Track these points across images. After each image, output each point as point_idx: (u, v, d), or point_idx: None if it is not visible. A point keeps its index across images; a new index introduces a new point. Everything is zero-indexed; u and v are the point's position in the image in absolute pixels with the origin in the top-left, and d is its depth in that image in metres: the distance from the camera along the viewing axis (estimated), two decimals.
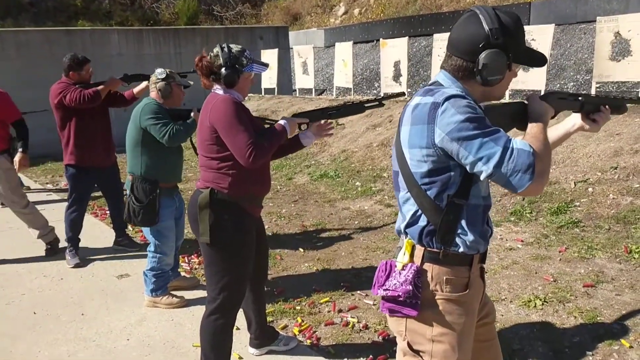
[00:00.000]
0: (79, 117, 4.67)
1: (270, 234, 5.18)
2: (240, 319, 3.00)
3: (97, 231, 5.71)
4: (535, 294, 3.69)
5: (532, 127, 1.73)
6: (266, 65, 2.88)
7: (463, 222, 1.74)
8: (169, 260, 3.93)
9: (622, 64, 7.05)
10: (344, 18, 20.66)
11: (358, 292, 3.95)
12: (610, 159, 5.37)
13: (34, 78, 10.35)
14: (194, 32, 13.86)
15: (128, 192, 3.80)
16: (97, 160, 4.76)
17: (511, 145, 1.60)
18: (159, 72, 3.84)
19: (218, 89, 2.75)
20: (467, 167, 1.66)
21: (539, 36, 7.81)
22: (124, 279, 4.47)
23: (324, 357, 3.17)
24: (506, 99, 7.62)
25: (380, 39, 10.91)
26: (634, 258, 4.10)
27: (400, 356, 1.88)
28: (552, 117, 1.84)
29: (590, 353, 3.00)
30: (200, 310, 3.14)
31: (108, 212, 5.46)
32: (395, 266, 1.81)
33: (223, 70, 2.67)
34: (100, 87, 4.63)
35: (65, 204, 4.94)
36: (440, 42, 8.91)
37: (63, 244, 4.90)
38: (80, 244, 4.91)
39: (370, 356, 3.10)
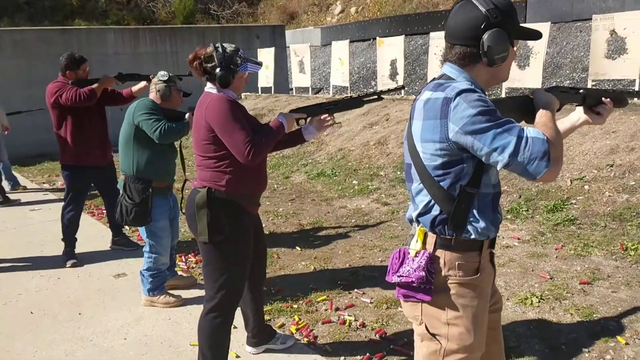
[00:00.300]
0: (76, 116, 4.66)
1: (267, 232, 5.18)
2: (238, 318, 3.00)
3: (94, 231, 5.70)
4: (532, 292, 3.71)
5: (541, 116, 1.77)
6: (260, 64, 2.87)
7: (474, 210, 1.79)
8: (165, 259, 3.92)
9: (617, 61, 7.08)
10: (340, 17, 20.66)
11: (355, 290, 3.96)
12: (606, 157, 5.38)
13: (30, 77, 10.34)
14: (190, 31, 13.85)
15: (121, 191, 3.80)
16: (93, 159, 4.75)
17: (525, 134, 1.64)
18: (162, 75, 3.83)
19: (211, 88, 2.74)
20: (483, 159, 1.69)
21: None
22: (121, 278, 4.47)
23: (321, 355, 3.17)
24: None
25: (377, 38, 10.92)
26: (630, 255, 4.12)
27: (418, 341, 1.91)
28: (557, 111, 1.87)
29: (587, 350, 3.02)
30: (197, 309, 3.14)
31: (105, 211, 5.45)
32: (409, 253, 1.86)
33: (217, 70, 2.66)
34: (95, 85, 4.63)
35: (62, 203, 4.94)
36: (436, 40, 8.92)
37: (61, 244, 4.89)
38: (77, 244, 4.91)
39: (367, 354, 3.10)
